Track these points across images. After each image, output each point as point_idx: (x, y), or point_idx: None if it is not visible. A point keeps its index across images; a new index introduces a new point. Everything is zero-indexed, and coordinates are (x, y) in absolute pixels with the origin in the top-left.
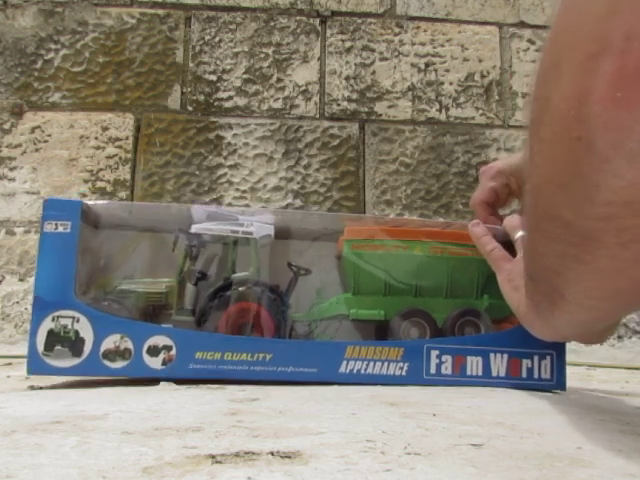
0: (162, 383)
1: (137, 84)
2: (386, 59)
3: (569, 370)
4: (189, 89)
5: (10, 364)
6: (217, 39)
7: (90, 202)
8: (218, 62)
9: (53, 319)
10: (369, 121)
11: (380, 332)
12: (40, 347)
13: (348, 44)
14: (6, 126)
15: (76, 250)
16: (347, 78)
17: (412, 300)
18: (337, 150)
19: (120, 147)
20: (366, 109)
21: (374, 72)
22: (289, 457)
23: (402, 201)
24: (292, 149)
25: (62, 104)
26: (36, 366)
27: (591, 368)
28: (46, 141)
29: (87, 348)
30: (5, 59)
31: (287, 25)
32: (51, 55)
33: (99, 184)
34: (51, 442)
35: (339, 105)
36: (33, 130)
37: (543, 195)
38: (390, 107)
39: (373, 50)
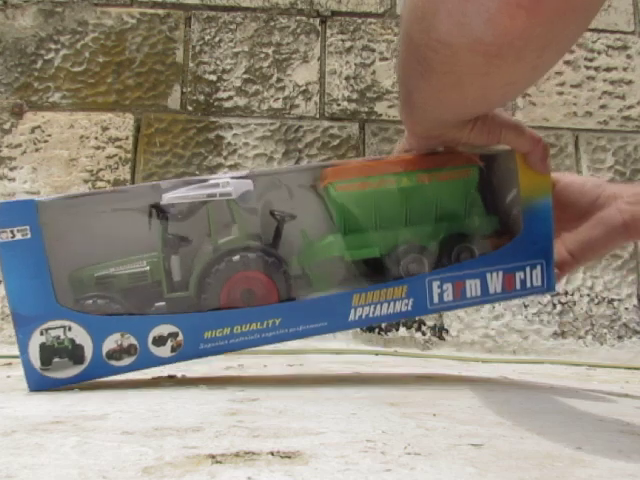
0: (161, 383)
1: (137, 84)
2: (386, 59)
3: (569, 370)
4: (189, 89)
5: (10, 364)
6: (217, 39)
7: (43, 198)
8: (218, 62)
9: (42, 333)
10: (369, 121)
11: (375, 268)
12: (36, 363)
13: (348, 44)
14: (6, 126)
15: (45, 254)
16: (347, 78)
17: (404, 231)
18: (337, 150)
19: (120, 147)
20: (366, 109)
21: (374, 72)
22: (289, 457)
23: None
24: (292, 149)
25: (62, 104)
26: (37, 382)
27: (591, 368)
28: (46, 141)
29: (88, 353)
30: (5, 59)
31: (287, 25)
32: (51, 55)
33: (99, 184)
34: (51, 442)
35: (339, 105)
36: (33, 130)
37: (406, 23)
38: (390, 107)
39: (373, 50)
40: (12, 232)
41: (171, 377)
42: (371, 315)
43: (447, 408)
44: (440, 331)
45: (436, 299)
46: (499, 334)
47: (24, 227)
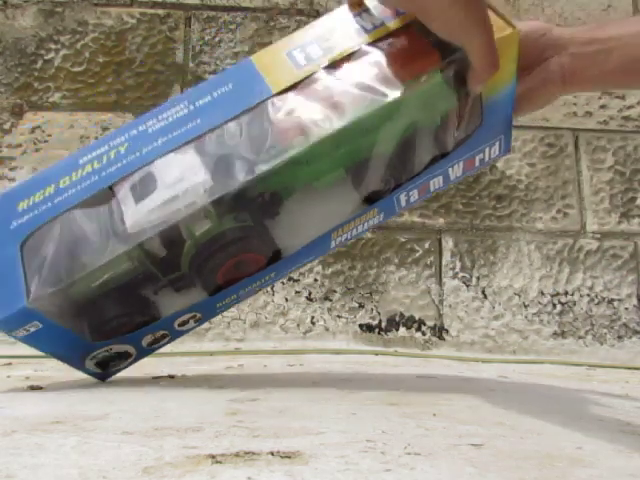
0: (161, 383)
1: (137, 84)
2: None
3: (569, 370)
4: (189, 89)
5: (10, 364)
6: (217, 39)
7: (30, 299)
8: (218, 62)
9: (91, 359)
10: None
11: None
12: (97, 371)
13: None
14: (6, 126)
15: (61, 325)
16: None
17: (366, 146)
18: None
19: None
20: None
21: None
22: (289, 457)
23: None
24: None
25: (62, 104)
26: (103, 378)
27: (591, 368)
28: (46, 141)
29: (132, 351)
30: (5, 59)
31: (287, 25)
32: (51, 55)
33: None
34: (51, 442)
35: None
36: (33, 130)
37: None
38: None
39: None
40: (25, 329)
41: (171, 377)
42: (349, 237)
43: (447, 408)
44: (440, 331)
45: (404, 204)
46: (499, 334)
47: (32, 324)
